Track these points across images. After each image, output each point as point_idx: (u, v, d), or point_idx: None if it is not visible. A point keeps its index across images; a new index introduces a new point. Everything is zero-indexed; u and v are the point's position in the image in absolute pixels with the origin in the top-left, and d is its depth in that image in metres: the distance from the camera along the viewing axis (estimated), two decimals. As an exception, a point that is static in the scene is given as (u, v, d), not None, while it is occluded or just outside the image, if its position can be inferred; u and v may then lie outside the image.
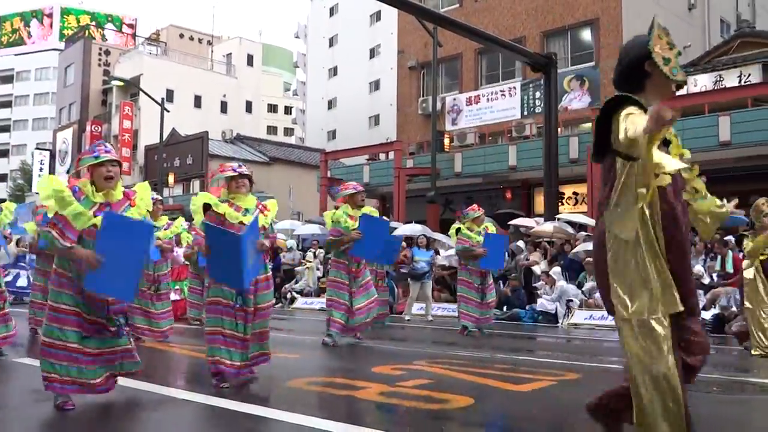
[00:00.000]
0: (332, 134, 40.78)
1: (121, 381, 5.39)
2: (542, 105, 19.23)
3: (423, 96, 28.52)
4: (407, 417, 4.33)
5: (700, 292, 11.55)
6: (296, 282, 17.98)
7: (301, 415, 4.14)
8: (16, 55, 69.20)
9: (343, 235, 7.93)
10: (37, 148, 54.40)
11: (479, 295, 9.62)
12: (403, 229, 17.36)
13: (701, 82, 20.38)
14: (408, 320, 12.41)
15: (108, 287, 4.24)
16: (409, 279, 13.42)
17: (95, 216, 4.26)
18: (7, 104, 69.95)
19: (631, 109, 2.81)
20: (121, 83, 37.67)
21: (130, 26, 57.27)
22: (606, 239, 2.99)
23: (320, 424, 3.93)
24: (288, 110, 55.65)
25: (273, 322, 12.15)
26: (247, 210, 5.46)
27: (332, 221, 8.06)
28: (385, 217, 8.78)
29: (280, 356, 7.52)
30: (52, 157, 50.22)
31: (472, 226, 9.69)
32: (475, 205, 10.16)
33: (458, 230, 9.74)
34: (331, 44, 42.37)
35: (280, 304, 17.28)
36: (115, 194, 4.44)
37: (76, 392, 4.40)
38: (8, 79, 69.94)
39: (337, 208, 8.17)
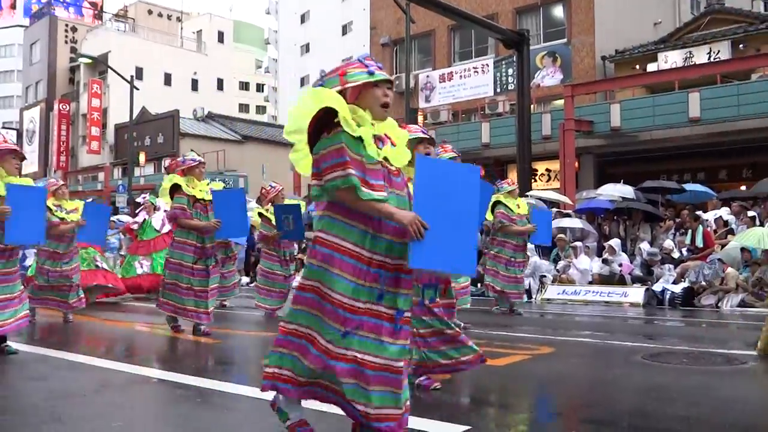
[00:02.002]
0: (305, 112, 40.44)
1: (95, 361, 5.36)
2: (515, 82, 19.24)
3: (396, 73, 28.38)
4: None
5: (670, 266, 11.75)
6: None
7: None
8: (-22, 31, 67.44)
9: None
10: (4, 127, 53.25)
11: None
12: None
13: (671, 58, 20.57)
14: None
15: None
16: None
17: None
18: (-29, 82, 68.30)
19: None
20: (89, 61, 36.91)
21: (93, 4, 56.00)
22: None
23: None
24: (260, 88, 55.04)
25: (246, 301, 12.11)
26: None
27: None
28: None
29: (258, 334, 7.52)
30: (19, 136, 49.21)
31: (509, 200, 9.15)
32: (510, 179, 10.26)
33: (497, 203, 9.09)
34: (302, 21, 41.88)
35: (254, 283, 17.22)
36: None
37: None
38: (-29, 57, 68.25)
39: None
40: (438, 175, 3.01)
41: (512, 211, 9.12)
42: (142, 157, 35.02)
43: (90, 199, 15.43)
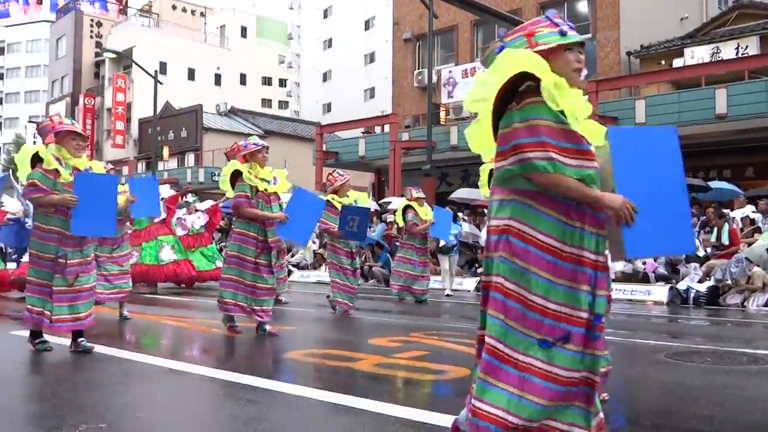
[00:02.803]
0: (327, 107, 40.54)
1: (119, 353, 5.41)
2: (538, 77, 19.09)
3: (418, 68, 28.31)
4: (404, 388, 4.35)
5: (696, 264, 11.60)
6: (292, 255, 17.98)
7: (298, 386, 4.16)
8: (6, 26, 68.41)
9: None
10: (30, 121, 53.98)
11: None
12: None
13: (698, 54, 20.28)
14: (448, 295, 12.04)
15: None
16: (437, 253, 13.02)
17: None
18: (-1, 77, 69.37)
19: None
20: (114, 55, 37.29)
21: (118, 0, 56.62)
22: None
23: (317, 395, 3.95)
24: (282, 83, 55.23)
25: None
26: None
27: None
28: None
29: (278, 328, 7.55)
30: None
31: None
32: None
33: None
34: (325, 16, 41.92)
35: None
36: None
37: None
38: (-1, 51, 69.28)
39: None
40: (635, 146, 2.64)
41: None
42: (165, 151, 35.29)
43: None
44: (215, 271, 12.51)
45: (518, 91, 2.49)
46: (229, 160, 6.60)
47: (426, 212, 10.43)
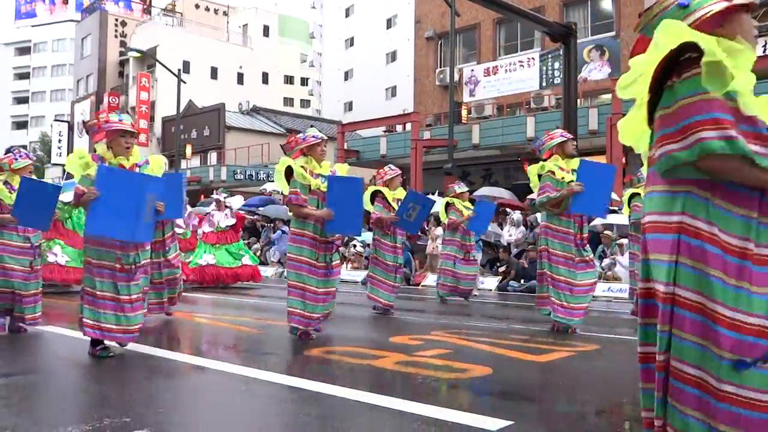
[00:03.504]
0: (349, 106, 40.59)
1: (145, 349, 5.46)
2: (561, 76, 18.96)
3: (440, 67, 28.26)
4: (425, 386, 4.34)
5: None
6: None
7: (319, 383, 4.16)
8: (33, 26, 69.30)
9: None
10: (56, 120, 54.68)
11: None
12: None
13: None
14: (476, 295, 11.57)
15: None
16: None
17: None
18: (25, 76, 70.34)
19: None
20: (138, 54, 37.62)
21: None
22: None
23: (337, 392, 3.95)
24: (304, 81, 55.41)
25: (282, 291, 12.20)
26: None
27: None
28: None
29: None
30: (71, 128, 50.46)
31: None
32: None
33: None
34: (347, 14, 41.97)
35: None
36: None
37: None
38: (26, 51, 70.24)
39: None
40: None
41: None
42: (188, 150, 35.56)
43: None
44: (240, 269, 12.55)
45: (679, 62, 2.07)
46: (285, 154, 6.29)
47: (467, 207, 10.25)
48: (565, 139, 6.85)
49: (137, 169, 5.11)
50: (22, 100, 70.69)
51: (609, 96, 20.36)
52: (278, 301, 10.73)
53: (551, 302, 6.70)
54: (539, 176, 6.80)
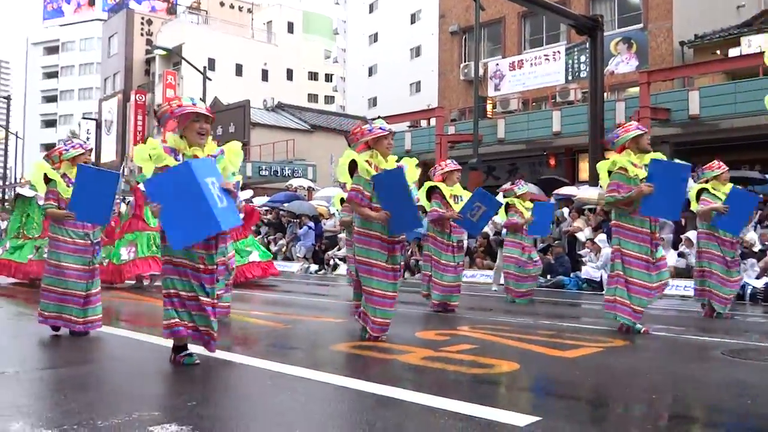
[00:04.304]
0: (373, 101, 40.57)
1: (169, 342, 5.49)
2: (588, 69, 18.77)
3: (465, 61, 28.12)
4: (451, 381, 4.32)
5: (753, 260, 11.27)
6: (339, 249, 18.07)
7: (345, 378, 4.16)
8: (60, 26, 70.27)
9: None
10: (84, 118, 55.39)
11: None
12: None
13: (755, 42, 19.65)
14: (495, 290, 11.59)
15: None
16: (492, 246, 12.71)
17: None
18: (54, 75, 71.30)
19: None
20: (164, 52, 37.93)
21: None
22: None
23: (364, 387, 3.95)
24: (328, 78, 55.47)
25: (317, 288, 12.21)
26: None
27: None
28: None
29: (325, 320, 7.59)
30: (98, 126, 51.09)
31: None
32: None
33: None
34: (371, 10, 41.95)
35: (323, 270, 17.43)
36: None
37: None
38: (54, 50, 71.18)
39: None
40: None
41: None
42: (214, 146, 35.78)
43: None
44: (247, 266, 12.17)
45: None
46: (349, 146, 5.74)
47: (527, 208, 9.77)
48: (641, 132, 6.38)
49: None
50: (50, 99, 71.70)
51: (636, 89, 20.10)
52: (303, 296, 10.78)
53: (619, 302, 6.35)
54: (609, 173, 6.42)
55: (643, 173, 6.22)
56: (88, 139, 50.27)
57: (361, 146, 5.70)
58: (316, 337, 6.22)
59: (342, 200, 10.09)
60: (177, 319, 4.47)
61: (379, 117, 5.63)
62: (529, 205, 9.88)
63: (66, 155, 5.94)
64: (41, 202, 6.78)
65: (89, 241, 5.90)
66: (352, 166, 5.63)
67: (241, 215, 12.70)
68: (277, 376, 4.33)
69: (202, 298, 4.47)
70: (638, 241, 6.25)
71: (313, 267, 17.80)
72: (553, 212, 10.72)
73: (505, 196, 9.97)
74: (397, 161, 5.73)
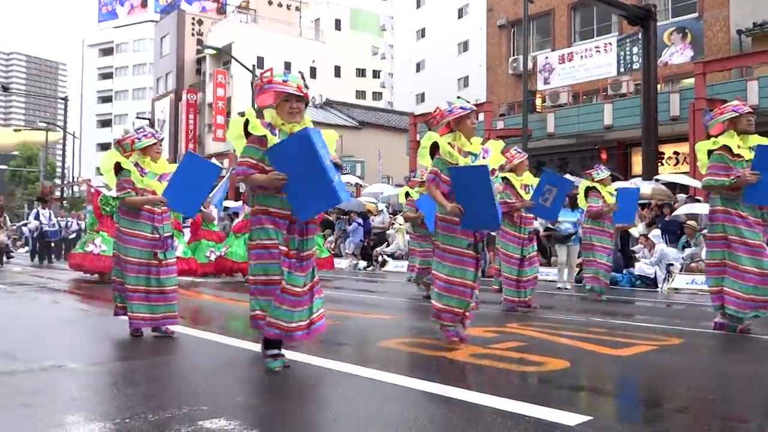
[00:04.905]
0: (421, 97, 40.47)
1: (221, 339, 5.57)
2: (640, 60, 18.36)
3: (513, 55, 27.82)
4: (500, 378, 4.27)
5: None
6: (387, 245, 18.09)
7: (393, 374, 4.15)
8: (114, 27, 72.05)
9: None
10: (138, 117, 56.69)
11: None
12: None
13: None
14: (559, 288, 11.34)
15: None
16: (553, 242, 12.36)
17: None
18: (109, 76, 73.16)
19: None
20: (214, 52, 38.52)
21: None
22: None
23: (412, 383, 3.93)
24: (376, 74, 55.57)
25: (366, 284, 12.23)
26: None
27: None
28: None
29: (373, 317, 7.60)
30: (152, 125, 52.17)
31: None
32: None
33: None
34: (418, 5, 41.84)
35: (371, 267, 17.48)
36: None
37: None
38: (109, 52, 73.04)
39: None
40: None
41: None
42: (263, 144, 36.26)
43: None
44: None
45: None
46: (429, 129, 5.47)
47: (611, 193, 9.36)
48: (738, 113, 5.87)
49: None
50: (106, 99, 73.58)
51: (691, 80, 19.58)
52: (352, 292, 10.81)
53: (726, 293, 5.92)
54: (709, 153, 6.00)
55: (748, 155, 5.75)
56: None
57: (443, 129, 5.36)
58: (364, 333, 6.22)
59: (407, 194, 9.84)
60: (259, 311, 4.22)
61: (459, 97, 5.19)
62: (613, 189, 9.43)
63: (138, 144, 5.66)
64: (113, 193, 6.66)
65: (158, 235, 5.59)
66: (434, 149, 5.33)
67: None
68: (326, 372, 4.34)
69: (290, 286, 4.15)
70: (750, 227, 5.77)
71: (362, 263, 17.86)
72: (637, 198, 10.12)
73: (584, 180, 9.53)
74: (482, 143, 5.45)
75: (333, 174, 4.03)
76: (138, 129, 5.78)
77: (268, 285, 4.17)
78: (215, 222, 13.18)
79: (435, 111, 5.42)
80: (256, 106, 4.46)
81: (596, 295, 9.40)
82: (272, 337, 4.26)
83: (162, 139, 5.76)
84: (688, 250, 12.28)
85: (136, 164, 5.62)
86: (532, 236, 8.10)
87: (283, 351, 4.42)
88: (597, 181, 9.32)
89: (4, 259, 20.36)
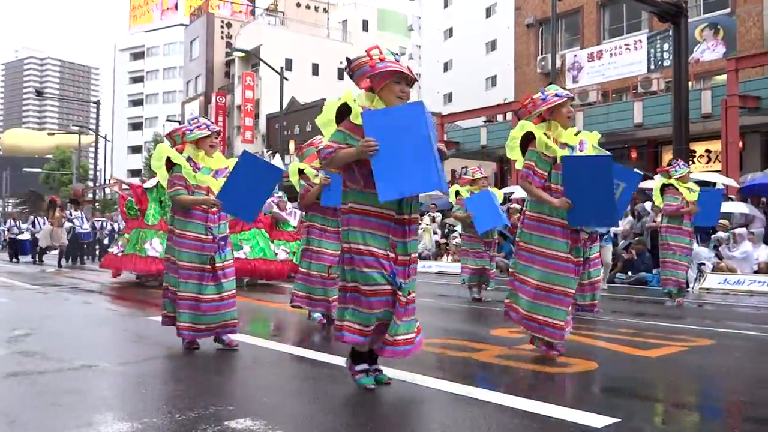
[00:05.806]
0: (448, 97, 40.35)
1: (248, 339, 5.60)
2: (671, 58, 18.10)
3: (542, 54, 27.61)
4: (527, 380, 4.23)
5: None
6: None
7: (419, 375, 4.13)
8: (145, 32, 73.01)
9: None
10: (168, 120, 57.34)
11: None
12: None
13: None
14: (604, 288, 10.71)
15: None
16: None
17: None
18: (140, 79, 74.13)
19: None
20: (243, 54, 38.85)
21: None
22: None
23: (438, 384, 3.91)
24: (404, 75, 55.61)
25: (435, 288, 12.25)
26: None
27: None
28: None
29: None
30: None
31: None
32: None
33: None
34: (445, 5, 41.72)
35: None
36: None
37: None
38: (140, 56, 74.04)
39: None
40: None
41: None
42: (291, 146, 36.46)
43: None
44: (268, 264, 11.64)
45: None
46: (519, 120, 4.96)
47: (692, 190, 8.71)
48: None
49: None
50: (137, 103, 74.58)
51: (723, 77, 19.25)
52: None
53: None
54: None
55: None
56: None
57: (536, 119, 4.85)
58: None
59: (457, 193, 9.33)
60: (347, 321, 3.73)
61: (552, 83, 4.48)
62: (695, 187, 8.85)
63: (189, 136, 5.06)
64: (149, 184, 6.32)
65: (212, 236, 5.04)
66: (525, 141, 4.84)
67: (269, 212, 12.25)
68: (345, 372, 4.33)
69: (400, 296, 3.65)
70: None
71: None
72: (721, 200, 9.56)
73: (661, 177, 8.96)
74: (576, 134, 4.88)
75: (438, 156, 3.60)
76: (192, 119, 5.22)
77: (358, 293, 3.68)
78: (290, 221, 12.70)
79: (526, 99, 4.88)
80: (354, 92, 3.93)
81: (677, 299, 8.91)
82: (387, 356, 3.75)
83: (218, 131, 5.20)
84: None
85: (189, 159, 5.04)
86: (595, 236, 7.49)
87: (308, 351, 4.42)
88: (676, 179, 8.72)
89: (36, 259, 20.76)
